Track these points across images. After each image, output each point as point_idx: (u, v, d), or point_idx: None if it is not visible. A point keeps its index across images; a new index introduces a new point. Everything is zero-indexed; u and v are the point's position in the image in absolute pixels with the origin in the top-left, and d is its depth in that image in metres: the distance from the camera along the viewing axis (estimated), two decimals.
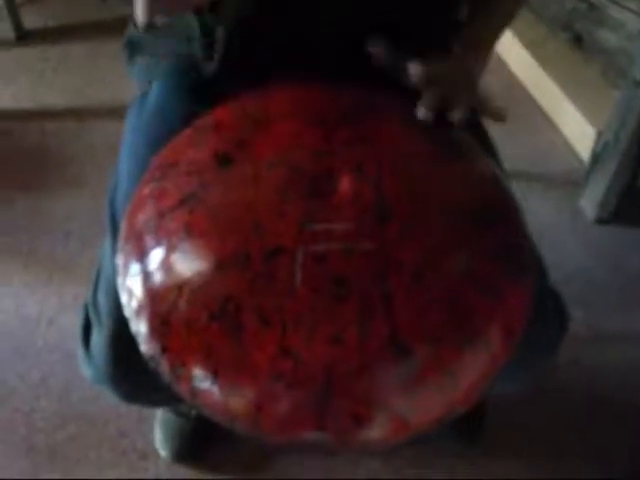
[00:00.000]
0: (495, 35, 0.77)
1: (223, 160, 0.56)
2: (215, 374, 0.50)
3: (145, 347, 0.54)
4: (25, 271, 1.34)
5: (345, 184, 0.54)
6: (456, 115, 0.62)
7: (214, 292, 0.50)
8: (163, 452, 1.03)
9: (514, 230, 0.58)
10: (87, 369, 0.70)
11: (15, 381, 1.14)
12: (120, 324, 0.64)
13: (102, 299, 0.69)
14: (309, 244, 0.50)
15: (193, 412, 1.04)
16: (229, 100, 0.63)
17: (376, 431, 0.51)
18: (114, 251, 0.71)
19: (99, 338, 0.68)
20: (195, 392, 0.52)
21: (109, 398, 0.72)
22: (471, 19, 0.75)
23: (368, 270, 0.50)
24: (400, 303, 0.49)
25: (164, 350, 0.52)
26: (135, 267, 0.54)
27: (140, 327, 0.54)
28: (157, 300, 0.52)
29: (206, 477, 1.02)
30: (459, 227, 0.54)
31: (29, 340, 1.20)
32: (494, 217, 0.57)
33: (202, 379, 0.51)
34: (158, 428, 1.05)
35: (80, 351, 0.71)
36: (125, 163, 0.77)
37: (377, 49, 0.64)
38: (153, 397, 0.77)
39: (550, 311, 0.70)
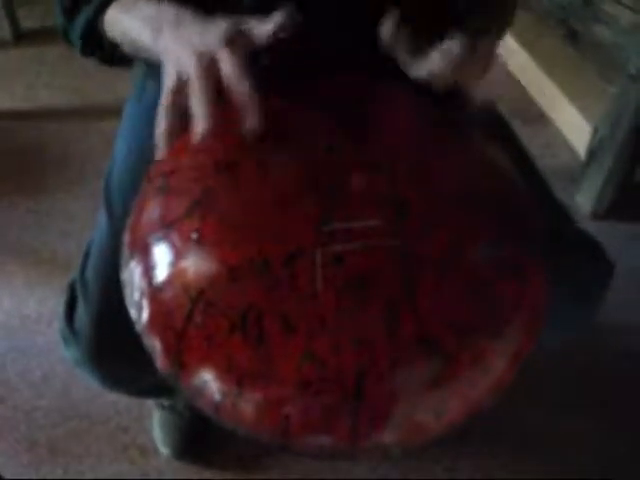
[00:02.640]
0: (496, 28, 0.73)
1: (228, 163, 0.54)
2: (239, 387, 0.48)
3: (160, 364, 0.52)
4: (25, 271, 1.34)
5: (358, 180, 0.52)
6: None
7: (233, 302, 0.48)
8: (163, 450, 1.04)
9: (528, 212, 0.57)
10: (69, 348, 0.69)
11: (16, 379, 1.15)
12: (108, 299, 0.64)
13: (91, 274, 0.68)
14: (328, 245, 0.49)
15: (186, 413, 1.04)
16: (225, 101, 0.61)
17: (406, 430, 0.50)
18: (108, 227, 0.70)
19: (85, 312, 0.66)
20: (218, 407, 0.50)
21: (108, 394, 0.72)
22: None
23: (390, 267, 0.49)
24: (426, 298, 0.48)
25: (181, 366, 0.50)
26: (143, 281, 0.52)
27: (153, 343, 0.52)
28: (170, 315, 0.50)
29: (207, 471, 1.03)
30: (477, 214, 0.53)
31: (30, 339, 1.21)
32: (510, 201, 0.56)
33: (225, 393, 0.49)
34: (156, 427, 1.06)
35: (62, 330, 0.69)
36: (122, 147, 0.77)
37: (389, 27, 0.56)
38: (135, 383, 0.76)
39: (585, 259, 0.70)
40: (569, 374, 1.15)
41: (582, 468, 1.03)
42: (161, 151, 0.53)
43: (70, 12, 0.66)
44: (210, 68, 0.50)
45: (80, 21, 0.65)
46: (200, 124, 0.50)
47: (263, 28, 0.52)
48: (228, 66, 0.50)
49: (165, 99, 0.52)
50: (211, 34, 0.52)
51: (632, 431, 1.09)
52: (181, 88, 0.51)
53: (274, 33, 0.51)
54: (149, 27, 0.56)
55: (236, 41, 0.51)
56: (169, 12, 0.56)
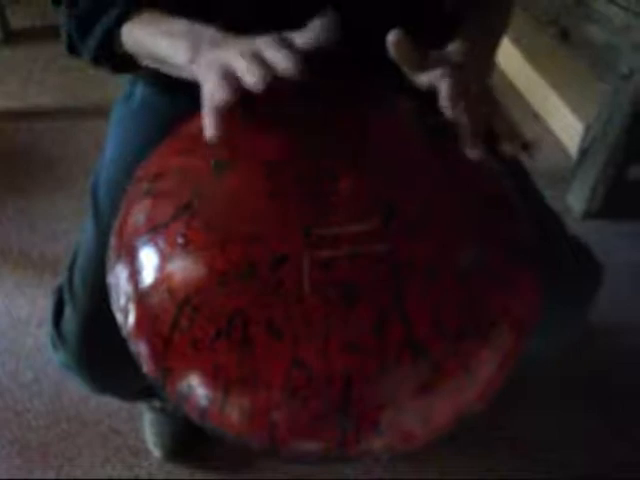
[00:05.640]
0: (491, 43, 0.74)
1: (216, 167, 0.53)
2: (225, 393, 0.48)
3: (147, 369, 0.52)
4: (15, 272, 1.34)
5: (346, 185, 0.51)
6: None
7: (219, 307, 0.48)
8: (156, 452, 1.04)
9: (518, 219, 0.57)
10: (57, 352, 0.69)
11: (7, 381, 1.14)
12: (95, 302, 0.64)
13: (78, 278, 0.68)
14: (314, 250, 0.48)
15: (178, 414, 1.04)
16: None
17: (395, 436, 0.50)
18: (95, 230, 0.70)
19: (72, 316, 0.66)
20: (204, 413, 0.50)
21: (100, 397, 0.71)
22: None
23: (378, 272, 0.48)
24: (414, 302, 0.48)
25: (168, 371, 0.50)
26: (129, 285, 0.52)
27: (140, 348, 0.51)
28: (156, 320, 0.50)
29: (199, 472, 1.02)
30: (465, 219, 0.52)
31: (20, 340, 1.20)
32: (498, 207, 0.56)
33: (211, 399, 0.49)
34: (148, 429, 1.05)
35: (50, 333, 0.69)
36: (110, 150, 0.77)
37: (398, 38, 0.53)
38: (124, 387, 0.75)
39: (575, 263, 0.70)
40: (564, 374, 1.15)
41: (581, 468, 1.03)
42: (210, 124, 0.51)
43: (84, 22, 0.64)
44: (256, 56, 0.49)
45: (97, 32, 0.63)
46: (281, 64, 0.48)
47: (304, 36, 0.51)
48: (273, 52, 0.49)
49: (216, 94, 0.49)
50: (255, 42, 0.50)
51: (632, 431, 1.09)
52: (227, 81, 0.49)
53: (313, 42, 0.50)
54: (185, 45, 0.55)
55: (282, 45, 0.50)
56: (206, 31, 0.54)
